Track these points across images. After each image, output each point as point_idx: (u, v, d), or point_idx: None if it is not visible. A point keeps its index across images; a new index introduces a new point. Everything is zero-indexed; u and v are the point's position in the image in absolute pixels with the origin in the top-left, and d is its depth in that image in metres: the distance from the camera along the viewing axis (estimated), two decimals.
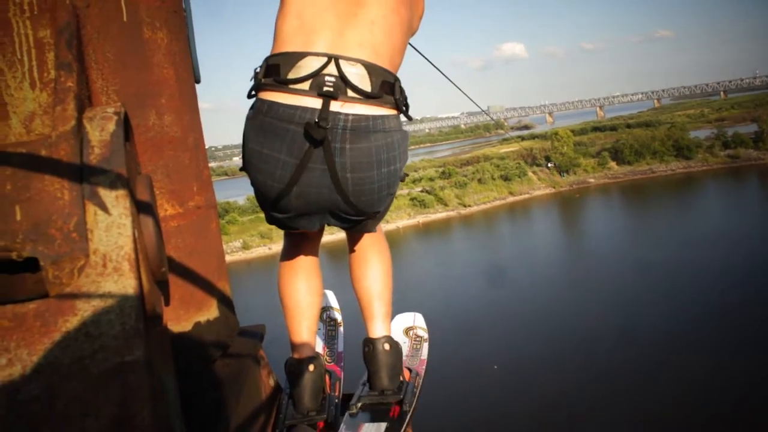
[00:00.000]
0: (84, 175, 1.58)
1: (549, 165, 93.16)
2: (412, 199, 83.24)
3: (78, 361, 1.38)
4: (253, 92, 2.29)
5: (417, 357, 3.45)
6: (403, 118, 2.40)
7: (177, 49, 2.54)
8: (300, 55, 2.19)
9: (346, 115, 2.16)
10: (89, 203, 1.55)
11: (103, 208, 1.55)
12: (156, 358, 1.58)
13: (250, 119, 2.28)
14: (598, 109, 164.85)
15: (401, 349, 2.91)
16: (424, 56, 4.26)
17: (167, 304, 2.26)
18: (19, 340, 1.39)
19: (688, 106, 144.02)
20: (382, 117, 2.24)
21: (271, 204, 2.37)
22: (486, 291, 47.69)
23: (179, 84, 2.52)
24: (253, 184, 2.38)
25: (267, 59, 2.26)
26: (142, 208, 1.73)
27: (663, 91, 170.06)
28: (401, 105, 2.32)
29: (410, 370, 3.12)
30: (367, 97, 2.19)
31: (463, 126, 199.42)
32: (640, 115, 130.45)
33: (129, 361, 1.40)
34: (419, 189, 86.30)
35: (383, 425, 2.67)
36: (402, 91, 2.33)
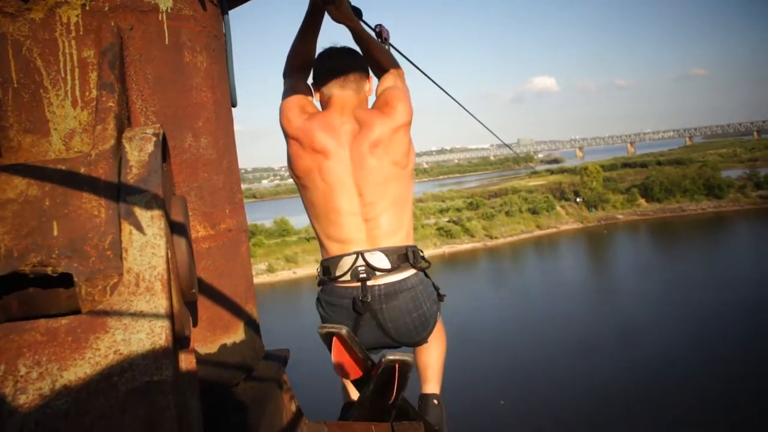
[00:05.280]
0: (121, 194, 1.60)
1: (577, 200, 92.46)
2: (438, 229, 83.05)
3: (107, 378, 1.38)
4: (320, 283, 3.41)
5: None
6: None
7: (216, 72, 2.56)
8: (339, 258, 3.25)
9: (379, 286, 3.21)
10: (125, 222, 1.56)
11: (138, 227, 1.56)
12: (183, 379, 1.58)
13: (320, 297, 3.41)
14: (628, 145, 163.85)
15: (445, 408, 3.76)
16: (450, 95, 4.60)
17: (195, 325, 2.26)
18: (51, 355, 1.40)
19: (721, 145, 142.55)
20: (404, 279, 3.24)
21: None
22: (510, 324, 47.17)
23: (216, 107, 2.54)
24: None
25: (321, 262, 3.37)
26: (176, 228, 1.74)
27: (695, 129, 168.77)
28: (417, 265, 3.28)
29: None
30: (389, 271, 3.20)
31: (492, 158, 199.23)
32: (671, 153, 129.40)
33: (157, 381, 1.40)
34: (446, 219, 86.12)
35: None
36: (415, 254, 3.29)
